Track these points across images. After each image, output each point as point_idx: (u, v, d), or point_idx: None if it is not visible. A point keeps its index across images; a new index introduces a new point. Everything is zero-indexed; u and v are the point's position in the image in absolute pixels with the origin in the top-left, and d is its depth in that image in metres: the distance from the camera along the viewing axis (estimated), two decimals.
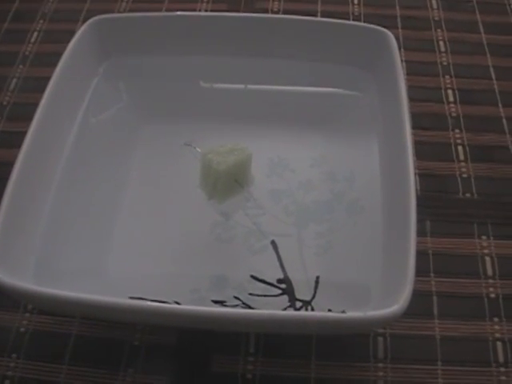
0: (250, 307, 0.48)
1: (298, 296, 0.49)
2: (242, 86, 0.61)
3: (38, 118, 0.51)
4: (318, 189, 0.55)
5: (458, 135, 0.63)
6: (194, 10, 0.73)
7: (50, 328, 0.51)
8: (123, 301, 0.43)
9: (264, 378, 0.49)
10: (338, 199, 0.54)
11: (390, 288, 0.44)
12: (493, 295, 0.53)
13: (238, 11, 0.72)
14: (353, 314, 0.41)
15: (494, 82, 0.67)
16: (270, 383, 0.48)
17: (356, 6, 0.74)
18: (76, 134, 0.55)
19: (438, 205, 0.58)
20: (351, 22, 0.64)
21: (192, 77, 0.61)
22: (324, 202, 0.55)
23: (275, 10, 0.74)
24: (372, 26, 0.58)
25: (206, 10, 0.73)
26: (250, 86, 0.61)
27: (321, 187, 0.55)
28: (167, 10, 0.73)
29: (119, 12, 0.73)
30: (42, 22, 0.73)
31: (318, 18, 0.68)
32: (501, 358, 0.49)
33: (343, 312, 0.43)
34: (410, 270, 0.43)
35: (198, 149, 0.55)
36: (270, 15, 0.70)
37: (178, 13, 0.62)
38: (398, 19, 0.73)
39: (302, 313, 0.47)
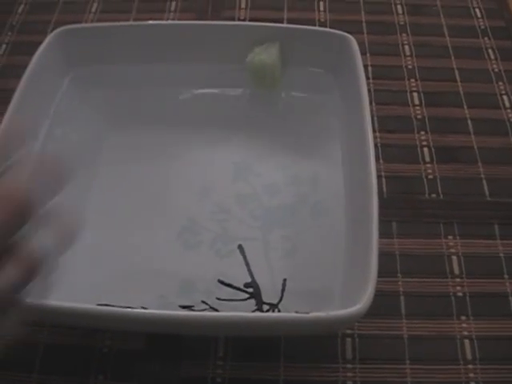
0: (217, 311, 0.48)
1: (265, 299, 0.50)
2: (210, 91, 0.62)
3: (3, 128, 0.51)
4: (282, 192, 0.56)
5: (423, 137, 0.63)
6: (162, 20, 0.73)
7: (19, 337, 0.50)
8: (91, 307, 0.43)
9: (234, 381, 0.49)
10: (302, 202, 0.55)
11: (353, 288, 0.45)
12: (460, 294, 0.53)
13: (205, 20, 0.73)
14: (316, 314, 0.42)
15: (459, 83, 0.68)
16: None
17: (322, 13, 0.75)
18: (42, 144, 0.55)
19: (404, 206, 0.59)
20: (314, 28, 0.64)
21: (158, 84, 0.61)
22: (289, 205, 0.55)
23: (242, 18, 0.74)
24: (334, 31, 0.59)
25: (174, 20, 0.74)
26: (215, 92, 0.62)
27: (285, 190, 0.56)
28: (135, 20, 0.73)
29: (87, 22, 0.73)
30: (10, 33, 0.74)
31: (283, 25, 0.69)
32: (469, 356, 0.50)
33: (307, 313, 0.43)
34: (372, 271, 0.44)
35: None
36: (236, 22, 0.71)
37: (145, 22, 0.63)
38: (364, 24, 0.74)
39: (265, 314, 0.47)
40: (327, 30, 0.61)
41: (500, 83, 0.68)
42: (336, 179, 0.54)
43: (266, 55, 0.58)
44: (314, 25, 0.73)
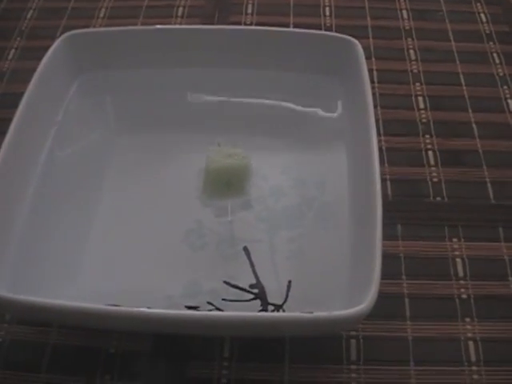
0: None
1: (270, 300, 0.50)
2: (216, 97, 0.62)
3: (12, 132, 0.52)
4: (288, 195, 0.56)
5: (428, 141, 0.64)
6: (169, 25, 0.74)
7: (27, 338, 0.51)
8: (98, 306, 0.44)
9: (239, 382, 0.49)
10: (308, 205, 0.55)
11: (357, 289, 0.45)
12: (464, 296, 0.53)
13: (212, 25, 0.74)
14: (319, 313, 0.42)
15: (464, 87, 0.69)
16: None
17: (328, 18, 0.76)
18: (50, 148, 0.56)
19: (409, 209, 0.59)
20: (319, 32, 0.65)
21: (165, 89, 0.62)
22: (294, 208, 0.56)
23: (248, 23, 0.75)
24: (339, 35, 0.59)
25: (181, 25, 0.75)
26: (223, 97, 0.62)
27: (291, 193, 0.57)
28: (142, 25, 0.74)
29: (95, 27, 0.74)
30: (19, 39, 0.74)
31: (288, 29, 0.69)
32: (473, 357, 0.50)
33: (310, 313, 0.43)
34: (376, 272, 0.44)
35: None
36: (243, 27, 0.72)
37: (153, 27, 0.64)
38: (369, 29, 0.75)
39: (269, 314, 0.48)
40: (332, 34, 0.62)
41: (505, 87, 0.69)
42: (341, 182, 0.55)
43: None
44: (320, 30, 0.73)
